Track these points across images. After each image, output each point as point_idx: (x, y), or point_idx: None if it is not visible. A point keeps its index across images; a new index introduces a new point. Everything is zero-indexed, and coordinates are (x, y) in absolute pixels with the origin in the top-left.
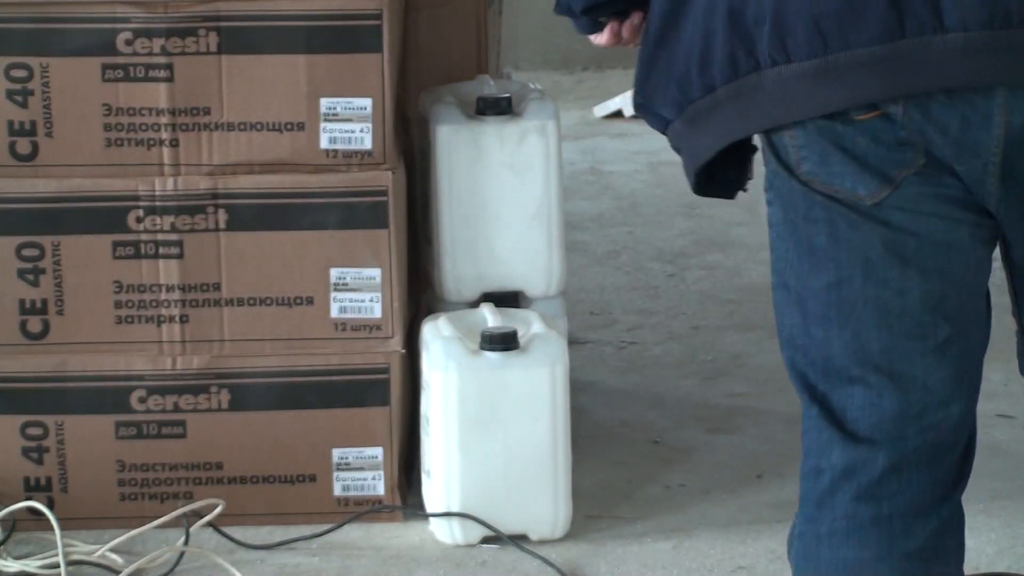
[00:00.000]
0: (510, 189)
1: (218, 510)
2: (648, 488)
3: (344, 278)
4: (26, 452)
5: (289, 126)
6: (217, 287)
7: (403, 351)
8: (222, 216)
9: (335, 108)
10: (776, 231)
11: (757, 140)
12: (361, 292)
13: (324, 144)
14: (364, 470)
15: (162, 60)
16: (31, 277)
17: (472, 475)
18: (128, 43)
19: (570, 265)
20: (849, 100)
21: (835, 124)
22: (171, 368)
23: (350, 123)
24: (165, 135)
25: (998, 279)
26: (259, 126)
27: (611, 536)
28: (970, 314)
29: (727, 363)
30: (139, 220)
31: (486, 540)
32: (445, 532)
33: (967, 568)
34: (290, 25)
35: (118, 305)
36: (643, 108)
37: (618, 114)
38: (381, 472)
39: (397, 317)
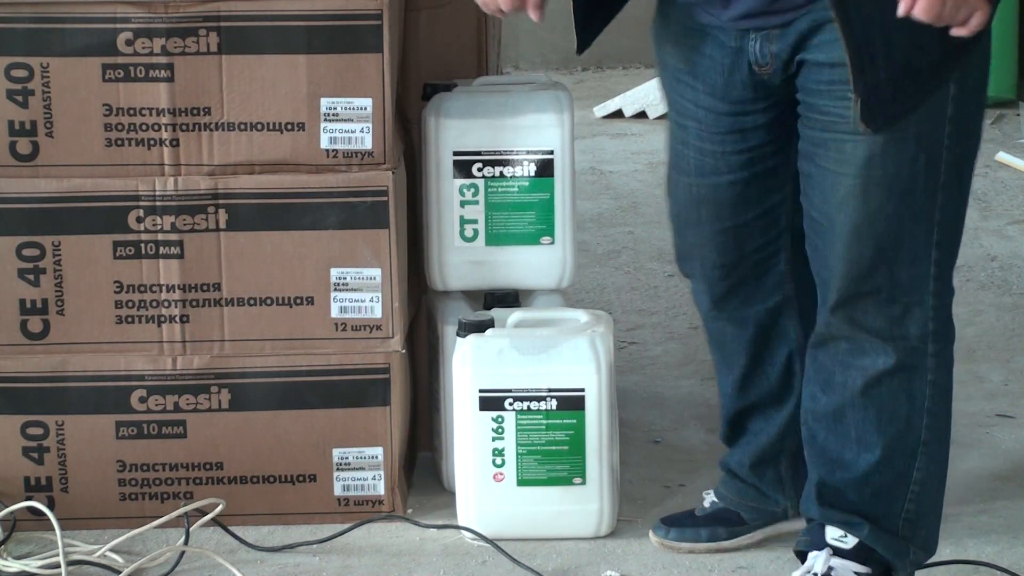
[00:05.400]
0: None
1: (218, 509)
2: (648, 488)
3: (344, 278)
4: (27, 452)
5: (289, 126)
6: (217, 287)
7: (403, 351)
8: (222, 216)
9: (335, 108)
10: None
11: None
12: (361, 292)
13: (324, 144)
14: (364, 470)
15: (162, 60)
16: (32, 277)
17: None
18: (128, 43)
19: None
20: None
21: None
22: (171, 368)
23: (350, 123)
24: (165, 135)
25: (998, 279)
26: (259, 126)
27: (611, 536)
28: None
29: None
30: (139, 220)
31: None
32: None
33: (965, 568)
34: (290, 25)
35: (118, 305)
36: None
37: (618, 114)
38: (381, 472)
39: (397, 317)
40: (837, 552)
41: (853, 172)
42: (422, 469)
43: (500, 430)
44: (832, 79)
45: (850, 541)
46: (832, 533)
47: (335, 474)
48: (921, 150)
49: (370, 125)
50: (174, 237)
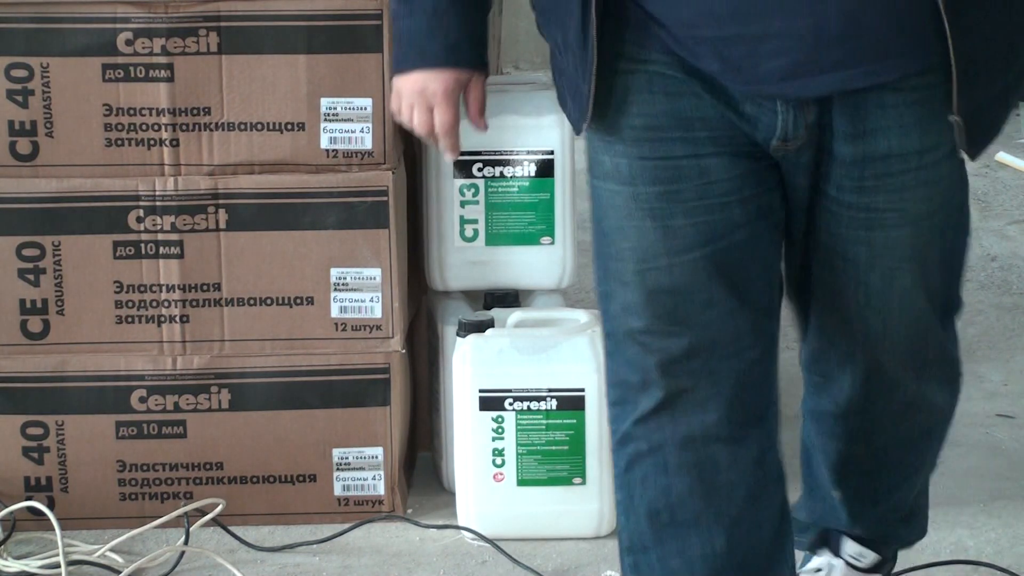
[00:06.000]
0: None
1: (218, 509)
2: None
3: (344, 278)
4: (27, 452)
5: (289, 126)
6: (217, 287)
7: (403, 351)
8: (222, 216)
9: (335, 108)
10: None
11: None
12: (361, 292)
13: (324, 144)
14: (364, 470)
15: (162, 60)
16: (32, 277)
17: None
18: (128, 43)
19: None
20: None
21: None
22: (171, 368)
23: (350, 123)
24: (165, 135)
25: (998, 279)
26: (259, 126)
27: (611, 536)
28: None
29: None
30: (139, 220)
31: None
32: None
33: (965, 568)
34: (290, 25)
35: (118, 305)
36: None
37: None
38: (381, 472)
39: (397, 317)
40: (852, 567)
41: (909, 266)
42: (422, 469)
43: (500, 430)
44: (903, 169)
45: (867, 559)
46: (849, 549)
47: (335, 474)
48: (963, 208)
49: (370, 125)
50: (174, 237)
